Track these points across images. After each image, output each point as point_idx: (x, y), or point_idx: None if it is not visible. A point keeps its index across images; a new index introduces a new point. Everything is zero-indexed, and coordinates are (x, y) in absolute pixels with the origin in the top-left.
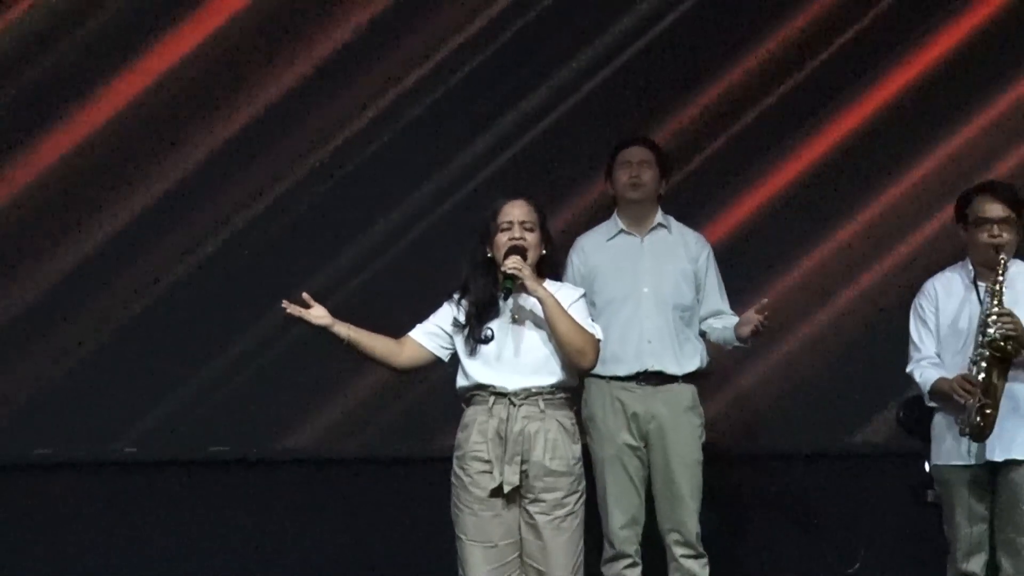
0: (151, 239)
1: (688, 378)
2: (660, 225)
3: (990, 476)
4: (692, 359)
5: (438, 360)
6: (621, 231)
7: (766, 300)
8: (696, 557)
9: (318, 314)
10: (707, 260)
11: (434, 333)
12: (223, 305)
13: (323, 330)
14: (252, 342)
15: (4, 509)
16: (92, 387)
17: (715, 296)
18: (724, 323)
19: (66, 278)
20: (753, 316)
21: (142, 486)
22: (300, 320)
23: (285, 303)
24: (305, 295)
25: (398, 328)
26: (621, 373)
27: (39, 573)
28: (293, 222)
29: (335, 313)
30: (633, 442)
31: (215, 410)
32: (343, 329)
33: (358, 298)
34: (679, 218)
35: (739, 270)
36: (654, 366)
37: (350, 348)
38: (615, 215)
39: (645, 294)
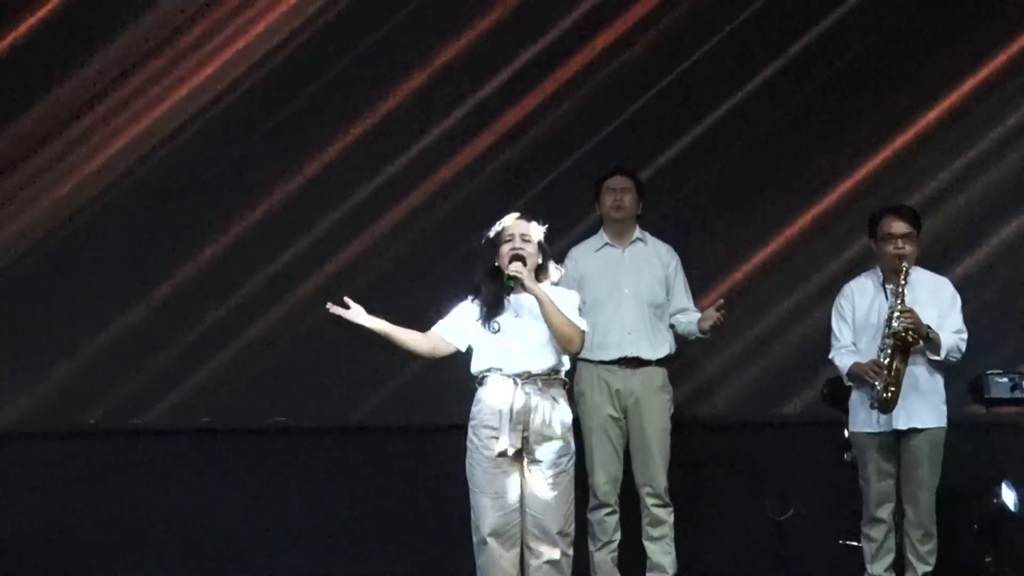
0: (216, 237)
1: (660, 362)
2: (638, 239)
3: (895, 441)
4: (663, 347)
5: (456, 350)
6: (606, 244)
7: (722, 300)
8: (664, 506)
9: (355, 313)
10: (676, 267)
11: (454, 328)
12: (281, 296)
13: (359, 326)
14: (309, 331)
15: (108, 468)
16: (175, 369)
17: (682, 296)
18: (689, 318)
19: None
20: (712, 313)
21: (216, 450)
22: (340, 318)
23: (329, 305)
24: (346, 298)
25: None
26: (606, 358)
27: (134, 520)
28: (337, 224)
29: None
30: (615, 414)
31: (276, 387)
32: (376, 325)
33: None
34: (659, 230)
35: (702, 276)
36: (633, 352)
37: (384, 341)
38: (601, 230)
39: (626, 294)
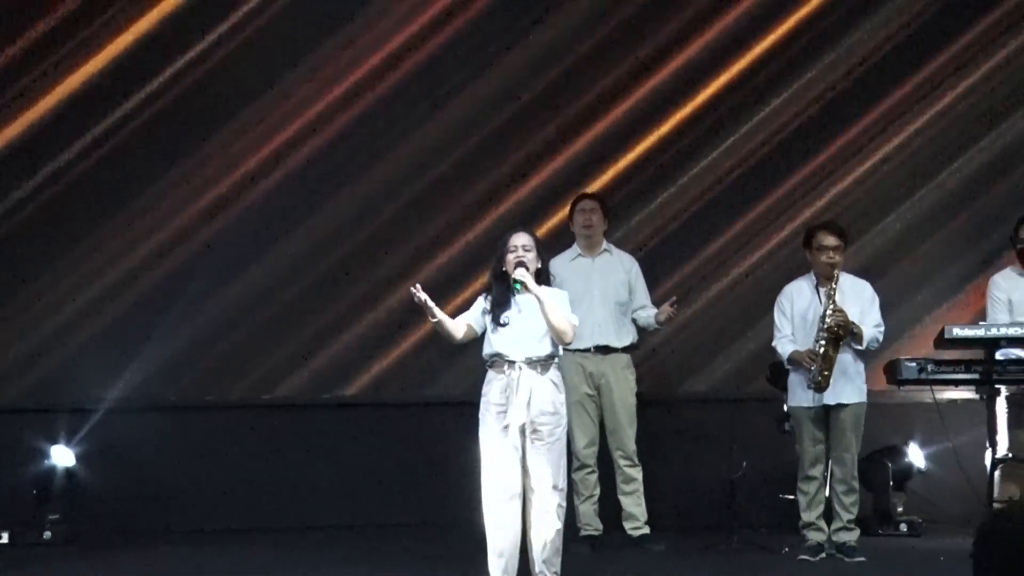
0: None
1: (625, 349)
2: (605, 251)
3: (825, 414)
4: (627, 337)
5: (477, 334)
6: (579, 255)
7: (675, 297)
8: (634, 466)
9: (427, 299)
10: (636, 273)
11: (476, 318)
12: (323, 294)
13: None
14: (348, 322)
15: (185, 439)
16: (244, 355)
17: (641, 295)
18: (647, 313)
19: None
20: (667, 308)
21: (277, 423)
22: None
23: (413, 289)
24: (416, 285)
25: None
26: (581, 346)
27: (197, 484)
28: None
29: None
30: (590, 392)
31: (324, 370)
32: (438, 312)
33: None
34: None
35: (661, 274)
36: (602, 341)
37: (437, 324)
38: (575, 244)
39: (596, 295)
